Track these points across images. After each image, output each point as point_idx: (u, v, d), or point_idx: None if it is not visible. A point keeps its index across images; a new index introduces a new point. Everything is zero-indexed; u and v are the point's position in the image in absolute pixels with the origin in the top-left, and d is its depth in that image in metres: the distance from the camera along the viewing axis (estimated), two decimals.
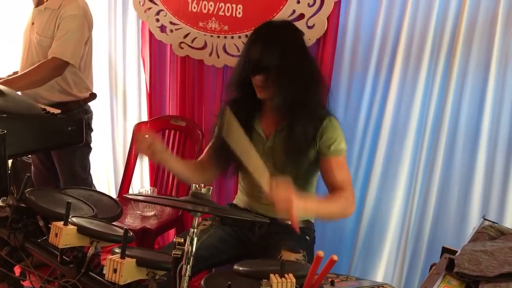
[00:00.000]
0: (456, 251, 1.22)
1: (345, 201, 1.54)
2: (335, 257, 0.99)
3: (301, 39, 1.66)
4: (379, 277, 2.07)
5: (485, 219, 1.40)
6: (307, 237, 1.73)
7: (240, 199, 1.83)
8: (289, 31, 1.65)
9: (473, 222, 1.81)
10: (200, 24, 2.32)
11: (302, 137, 1.59)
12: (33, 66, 2.25)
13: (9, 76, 2.42)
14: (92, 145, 2.54)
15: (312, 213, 1.51)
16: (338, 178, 1.59)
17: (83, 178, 2.49)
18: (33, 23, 2.35)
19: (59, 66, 2.25)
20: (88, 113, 2.46)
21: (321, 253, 1.01)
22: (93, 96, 2.48)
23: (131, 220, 2.28)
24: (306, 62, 1.62)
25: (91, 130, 2.50)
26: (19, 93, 2.23)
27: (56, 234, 1.20)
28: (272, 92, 1.58)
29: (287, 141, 1.61)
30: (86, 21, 2.31)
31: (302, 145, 1.60)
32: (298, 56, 1.60)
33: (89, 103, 2.48)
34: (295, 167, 1.62)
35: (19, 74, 2.35)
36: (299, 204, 1.30)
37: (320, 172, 1.67)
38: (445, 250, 1.30)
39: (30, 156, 2.65)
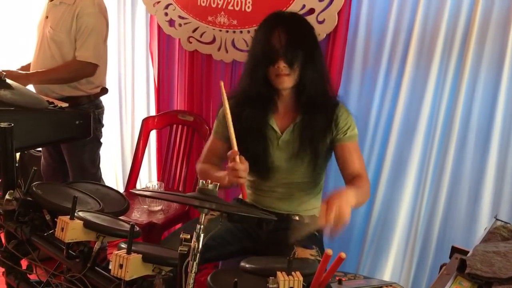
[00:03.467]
0: (466, 251, 1.20)
1: (367, 189, 1.61)
2: (343, 255, 0.98)
3: (313, 29, 1.68)
4: (386, 276, 2.05)
5: (497, 219, 1.37)
6: (316, 233, 1.72)
7: (246, 193, 1.82)
8: (305, 20, 1.68)
9: (483, 221, 1.78)
10: (209, 18, 2.30)
11: (321, 126, 1.62)
12: (62, 64, 2.29)
13: (18, 69, 2.43)
14: (101, 139, 2.54)
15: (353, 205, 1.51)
16: (356, 165, 1.64)
17: (92, 172, 2.49)
18: (47, 17, 2.35)
19: (87, 69, 2.29)
20: (99, 108, 2.46)
21: (329, 251, 1.00)
22: (104, 91, 2.48)
23: (138, 215, 2.28)
24: (320, 51, 1.65)
25: (102, 125, 2.50)
26: (31, 88, 2.25)
27: (62, 229, 1.20)
28: (293, 80, 1.58)
29: (307, 132, 1.62)
30: (102, 16, 2.32)
31: (321, 135, 1.63)
32: (316, 45, 1.64)
33: (100, 98, 2.48)
34: (313, 157, 1.64)
35: (31, 67, 2.37)
36: (348, 212, 1.33)
37: (336, 159, 1.68)
38: (454, 249, 1.28)
39: (40, 149, 2.66)
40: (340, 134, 1.64)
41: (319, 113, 1.62)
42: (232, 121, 1.51)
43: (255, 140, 1.64)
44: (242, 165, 1.47)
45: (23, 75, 2.23)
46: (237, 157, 1.47)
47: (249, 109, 1.64)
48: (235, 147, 1.48)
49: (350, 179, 1.61)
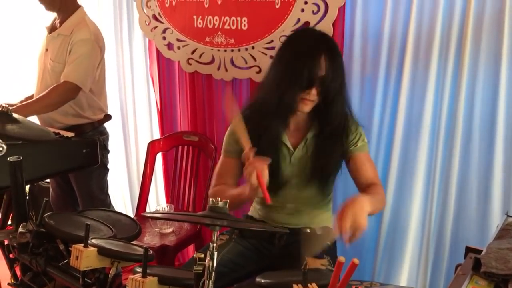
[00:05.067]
0: (481, 250, 1.20)
1: (382, 196, 1.60)
2: (357, 261, 0.98)
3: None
4: (403, 281, 2.04)
5: (508, 216, 1.37)
6: (328, 243, 1.71)
7: (256, 209, 1.82)
8: (338, 46, 1.63)
9: (495, 219, 1.77)
10: (207, 39, 2.34)
11: (333, 142, 1.62)
12: (46, 91, 2.27)
13: (21, 102, 2.45)
14: (108, 165, 2.56)
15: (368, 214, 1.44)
16: (371, 174, 1.64)
17: (101, 199, 2.50)
18: (47, 50, 2.39)
19: (71, 90, 2.26)
20: (104, 134, 2.48)
21: (342, 258, 1.00)
22: (107, 117, 2.50)
23: (150, 238, 2.29)
24: (344, 76, 1.61)
25: (107, 151, 2.52)
26: (35, 119, 2.27)
27: (77, 257, 1.21)
28: (314, 105, 1.57)
29: (319, 148, 1.62)
30: (97, 45, 2.33)
31: (332, 150, 1.63)
32: (344, 72, 1.60)
33: (104, 125, 2.51)
34: (324, 173, 1.64)
35: (33, 99, 2.39)
36: (364, 219, 1.30)
37: (349, 170, 1.67)
38: (469, 249, 1.27)
39: (48, 180, 2.68)
40: (351, 146, 1.64)
41: (332, 130, 1.62)
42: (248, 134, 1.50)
43: (269, 156, 1.58)
44: (259, 159, 1.42)
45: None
46: (251, 152, 1.43)
47: (265, 125, 1.61)
48: (248, 146, 1.44)
49: (364, 187, 1.60)
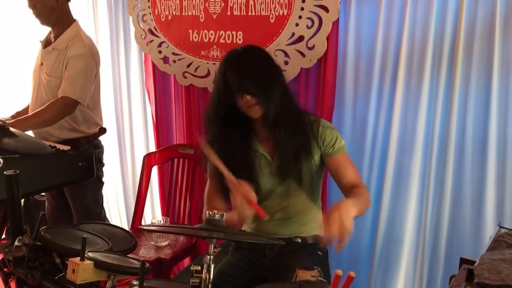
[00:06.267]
0: (475, 261, 1.21)
1: (367, 197, 1.59)
2: (353, 274, 0.98)
3: (267, 53, 1.72)
4: None
5: (501, 227, 1.39)
6: (320, 253, 1.72)
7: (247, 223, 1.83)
8: (257, 49, 1.72)
9: (489, 230, 1.79)
10: (202, 53, 2.36)
11: (301, 144, 1.64)
12: (44, 106, 2.27)
13: (13, 116, 2.45)
14: (103, 179, 2.56)
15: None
16: (352, 175, 1.64)
17: (96, 212, 2.50)
18: (41, 64, 2.39)
19: (69, 105, 2.27)
20: (99, 147, 2.49)
21: (339, 271, 1.01)
22: (102, 131, 2.51)
23: (146, 251, 2.28)
24: (280, 73, 1.68)
25: (102, 164, 2.52)
26: (30, 133, 2.27)
27: (74, 270, 1.20)
28: (264, 107, 1.60)
29: (288, 152, 1.64)
30: (92, 59, 2.34)
31: (303, 153, 1.64)
32: (273, 68, 1.66)
33: (99, 138, 2.51)
34: (301, 177, 1.65)
35: (29, 113, 2.39)
36: (350, 222, 1.33)
37: (331, 174, 1.69)
38: (463, 261, 1.28)
39: (43, 193, 2.67)
40: (328, 149, 1.66)
41: (295, 132, 1.64)
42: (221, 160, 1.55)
43: (246, 171, 1.64)
44: (242, 182, 1.49)
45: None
46: (233, 178, 1.49)
47: (231, 144, 1.66)
48: (228, 174, 1.50)
49: (349, 189, 1.61)
